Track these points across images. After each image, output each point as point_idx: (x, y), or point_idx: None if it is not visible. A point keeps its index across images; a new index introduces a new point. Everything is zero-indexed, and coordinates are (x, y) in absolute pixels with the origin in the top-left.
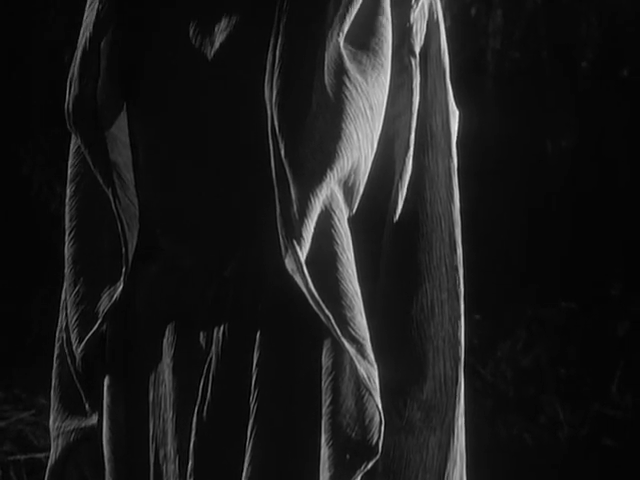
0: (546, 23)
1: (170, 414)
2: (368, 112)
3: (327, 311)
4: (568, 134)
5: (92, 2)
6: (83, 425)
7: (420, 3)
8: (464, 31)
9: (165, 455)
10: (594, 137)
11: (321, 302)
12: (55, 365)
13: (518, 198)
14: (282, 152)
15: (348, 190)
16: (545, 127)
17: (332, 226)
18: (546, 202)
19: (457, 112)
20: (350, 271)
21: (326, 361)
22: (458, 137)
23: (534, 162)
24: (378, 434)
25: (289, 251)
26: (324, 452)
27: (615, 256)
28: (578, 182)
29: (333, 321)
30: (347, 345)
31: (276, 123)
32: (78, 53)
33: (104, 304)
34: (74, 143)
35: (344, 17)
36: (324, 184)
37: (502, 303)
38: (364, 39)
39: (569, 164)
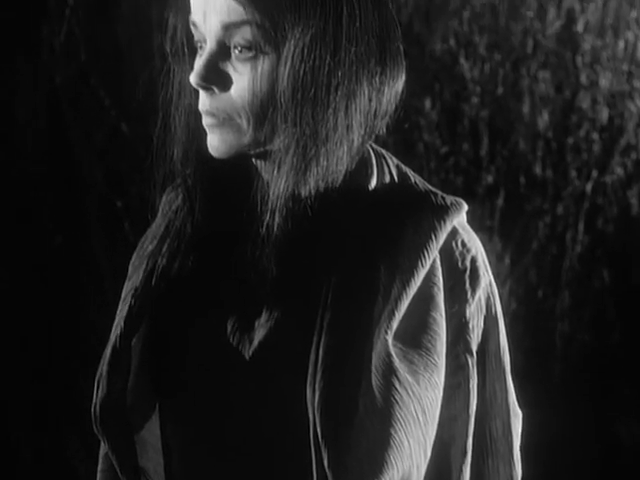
0: (615, 304)
1: None
2: (420, 416)
3: None
4: None
5: (125, 297)
6: None
7: (476, 297)
8: (530, 314)
9: None
10: None
11: None
12: None
13: None
14: (325, 461)
15: None
16: (618, 412)
17: None
18: None
19: (520, 414)
20: None
21: None
22: (521, 442)
23: (606, 455)
24: None
25: None
26: None
27: None
28: None
29: None
30: None
31: (319, 429)
32: (107, 350)
33: None
34: (103, 447)
35: (393, 313)
36: None
37: None
38: (415, 336)
39: None
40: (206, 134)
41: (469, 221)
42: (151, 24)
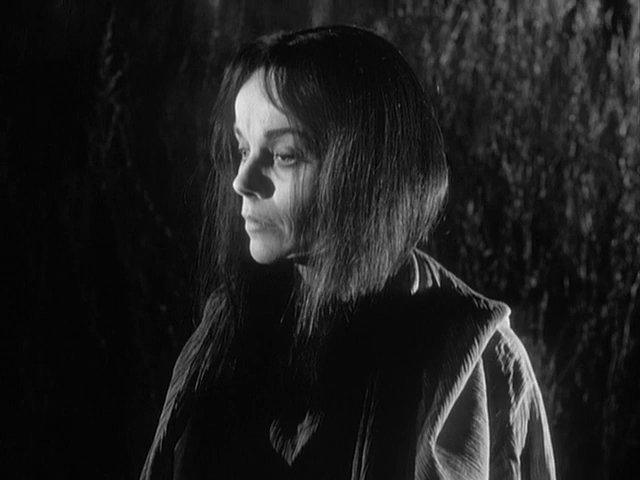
0: None
1: None
2: None
3: None
4: None
5: (169, 402)
6: None
7: (520, 402)
8: (576, 418)
9: None
10: None
11: None
12: None
13: None
14: None
15: None
16: None
17: None
18: None
19: None
20: None
21: None
22: None
23: None
24: None
25: None
26: None
27: None
28: None
29: None
30: None
31: None
32: (150, 455)
33: None
34: None
35: (436, 418)
36: None
37: None
38: (459, 441)
39: None
40: (249, 239)
41: (513, 324)
42: (195, 130)
